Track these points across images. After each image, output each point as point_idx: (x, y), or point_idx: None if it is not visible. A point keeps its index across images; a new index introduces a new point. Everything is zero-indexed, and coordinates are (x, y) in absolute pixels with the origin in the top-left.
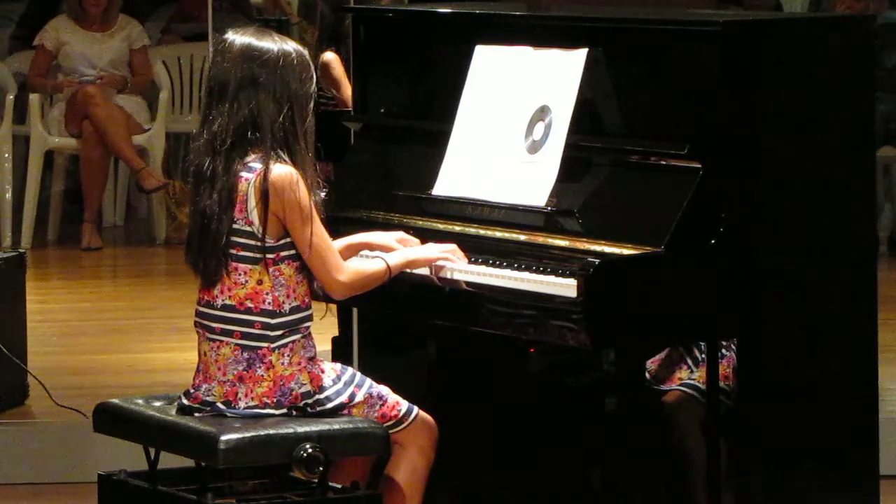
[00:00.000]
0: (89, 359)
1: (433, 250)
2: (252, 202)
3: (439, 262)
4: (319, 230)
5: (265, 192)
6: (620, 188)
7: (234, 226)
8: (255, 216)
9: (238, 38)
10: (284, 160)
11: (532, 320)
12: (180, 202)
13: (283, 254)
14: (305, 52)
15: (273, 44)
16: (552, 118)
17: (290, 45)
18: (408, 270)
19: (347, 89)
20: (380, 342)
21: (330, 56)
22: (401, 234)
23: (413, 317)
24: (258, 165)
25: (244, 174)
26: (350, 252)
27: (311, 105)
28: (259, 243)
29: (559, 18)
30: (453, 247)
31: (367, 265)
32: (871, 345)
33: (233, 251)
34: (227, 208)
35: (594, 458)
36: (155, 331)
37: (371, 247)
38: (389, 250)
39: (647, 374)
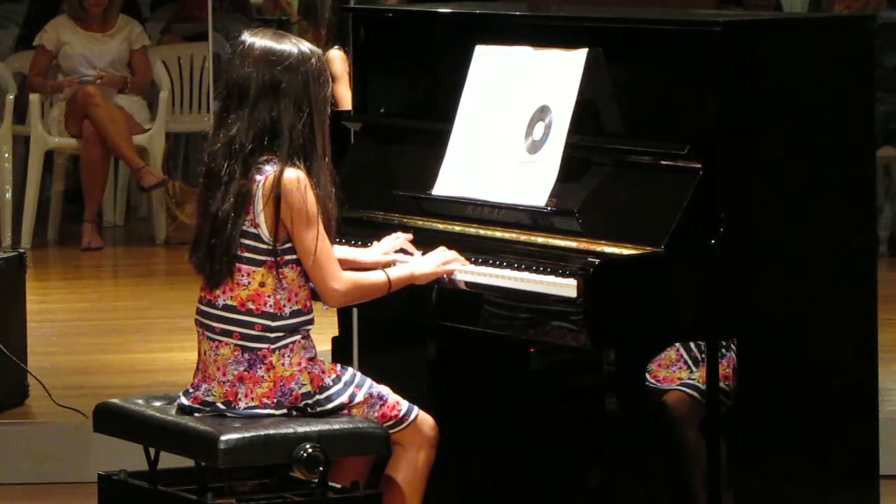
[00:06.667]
0: (89, 359)
1: (434, 264)
2: (259, 205)
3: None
4: (322, 237)
5: (277, 196)
6: (620, 188)
7: (242, 227)
8: (261, 219)
9: (257, 40)
10: (299, 166)
11: (532, 320)
12: (180, 202)
13: (288, 257)
14: (322, 54)
15: (293, 47)
16: (552, 118)
17: (307, 48)
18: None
19: (344, 87)
20: (380, 342)
21: (334, 53)
22: (387, 246)
23: (413, 317)
24: (268, 168)
25: (256, 177)
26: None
27: (328, 109)
28: (264, 245)
29: (559, 18)
30: (452, 254)
31: (366, 276)
32: (871, 345)
33: (238, 253)
34: (241, 213)
35: (594, 457)
36: (155, 331)
37: (361, 265)
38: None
39: (647, 374)
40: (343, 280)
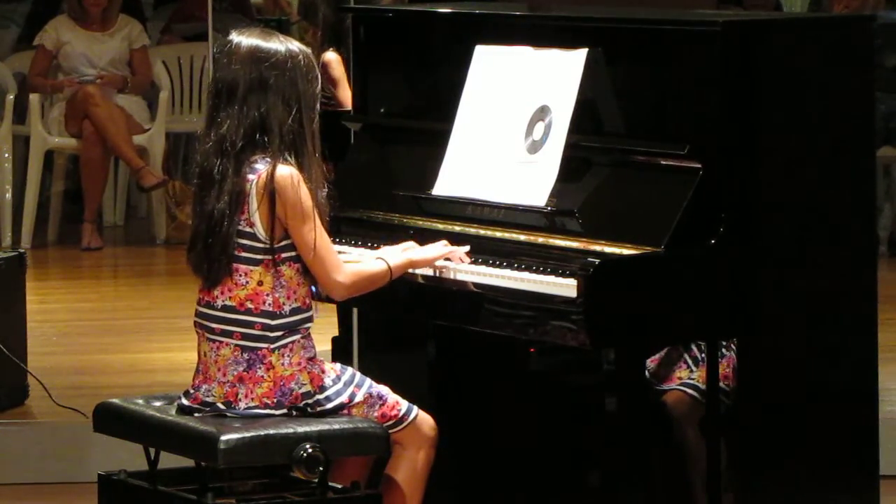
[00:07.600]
0: (89, 359)
1: (435, 251)
2: (254, 204)
3: (441, 263)
4: (320, 231)
5: (271, 193)
6: (620, 188)
7: (238, 227)
8: (256, 218)
9: (244, 39)
10: (290, 162)
11: (532, 320)
12: (180, 202)
13: (284, 255)
14: (310, 52)
15: (280, 45)
16: (552, 118)
17: (296, 46)
18: (409, 270)
19: (345, 90)
20: (380, 342)
21: (331, 56)
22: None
23: (413, 317)
24: (261, 167)
25: (249, 175)
26: None
27: (318, 106)
28: (260, 244)
29: (559, 18)
30: (455, 248)
31: (368, 266)
32: (871, 345)
33: (234, 252)
34: (236, 211)
35: (594, 458)
36: (155, 331)
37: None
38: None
39: (647, 374)
40: (346, 272)
